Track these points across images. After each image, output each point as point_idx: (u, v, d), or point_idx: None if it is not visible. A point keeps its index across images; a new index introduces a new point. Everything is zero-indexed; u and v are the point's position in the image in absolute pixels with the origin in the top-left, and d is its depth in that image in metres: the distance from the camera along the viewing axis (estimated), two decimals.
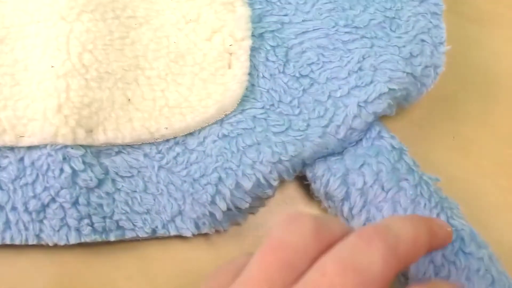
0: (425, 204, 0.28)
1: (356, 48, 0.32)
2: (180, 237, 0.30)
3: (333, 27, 0.32)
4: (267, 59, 0.32)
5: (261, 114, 0.31)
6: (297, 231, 0.22)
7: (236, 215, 0.30)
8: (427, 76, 0.32)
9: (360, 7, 0.33)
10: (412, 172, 0.29)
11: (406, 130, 0.33)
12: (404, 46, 0.32)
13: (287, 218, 0.23)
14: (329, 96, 0.31)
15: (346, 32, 0.32)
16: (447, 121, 0.34)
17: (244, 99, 0.31)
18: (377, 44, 0.32)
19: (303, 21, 0.33)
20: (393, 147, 0.30)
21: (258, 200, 0.31)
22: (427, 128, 0.34)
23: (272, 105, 0.31)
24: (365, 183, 0.29)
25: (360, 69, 0.31)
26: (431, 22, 0.33)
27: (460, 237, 0.28)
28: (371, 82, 0.31)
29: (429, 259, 0.27)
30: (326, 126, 0.30)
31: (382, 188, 0.29)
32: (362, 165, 0.29)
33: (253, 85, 0.31)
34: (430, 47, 0.32)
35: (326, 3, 0.33)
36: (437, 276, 0.27)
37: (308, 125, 0.30)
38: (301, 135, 0.30)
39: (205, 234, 0.30)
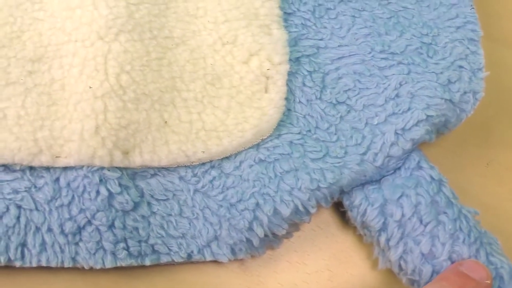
0: (464, 239, 0.28)
1: (393, 74, 0.32)
2: (214, 261, 0.30)
3: (369, 52, 0.32)
4: (304, 84, 0.32)
5: (298, 139, 0.30)
6: None
7: (272, 241, 0.30)
8: (466, 102, 0.32)
9: (396, 32, 0.33)
10: (452, 205, 0.29)
11: (440, 156, 0.33)
12: (441, 73, 0.31)
13: None
14: (366, 124, 0.31)
15: (382, 58, 0.32)
16: (481, 147, 0.34)
17: (280, 124, 0.31)
18: (414, 71, 0.32)
19: (339, 46, 0.33)
20: (432, 178, 0.30)
21: (294, 225, 0.30)
22: (460, 154, 0.34)
23: (309, 131, 0.31)
24: (403, 215, 0.29)
25: (397, 96, 0.31)
26: (468, 48, 0.32)
27: (499, 275, 0.27)
28: (409, 109, 0.31)
29: None
30: (364, 153, 0.30)
31: (421, 221, 0.28)
32: (400, 196, 0.29)
33: (289, 110, 0.31)
34: (468, 73, 0.32)
35: (362, 28, 0.33)
36: None
37: (346, 152, 0.30)
38: (339, 162, 0.30)
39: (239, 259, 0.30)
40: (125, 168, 0.30)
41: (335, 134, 0.31)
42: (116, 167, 0.29)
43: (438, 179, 0.30)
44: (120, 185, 0.29)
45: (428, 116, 0.30)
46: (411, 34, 0.33)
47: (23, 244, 0.28)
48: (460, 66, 0.32)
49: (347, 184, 0.30)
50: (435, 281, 0.27)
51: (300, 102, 0.31)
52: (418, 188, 0.29)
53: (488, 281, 0.27)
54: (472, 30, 0.33)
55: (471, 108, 0.32)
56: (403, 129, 0.30)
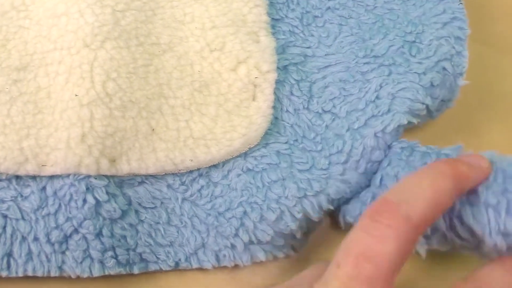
0: None
1: (374, 77, 0.31)
2: (202, 269, 0.30)
3: (354, 59, 0.32)
4: (292, 93, 0.32)
5: (285, 149, 0.30)
6: None
7: (256, 250, 0.30)
8: (437, 110, 0.32)
9: (380, 35, 0.32)
10: (428, 155, 0.28)
11: None
12: (424, 73, 0.30)
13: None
14: (348, 129, 0.30)
15: (365, 63, 0.32)
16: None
17: (268, 132, 0.31)
18: (396, 71, 0.31)
19: (325, 55, 0.33)
20: (402, 148, 0.29)
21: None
22: None
23: (296, 140, 0.31)
24: (388, 188, 0.28)
25: (377, 97, 0.30)
26: (454, 48, 0.31)
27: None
28: (389, 110, 0.30)
29: None
30: (346, 162, 0.30)
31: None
32: (381, 179, 0.29)
33: (276, 118, 0.31)
34: (450, 78, 0.31)
35: (348, 36, 0.33)
36: None
37: (329, 163, 0.30)
38: (324, 174, 0.30)
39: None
40: (112, 176, 0.30)
41: (320, 143, 0.31)
42: (103, 175, 0.29)
43: (408, 146, 0.29)
44: (107, 193, 0.29)
45: (409, 122, 0.30)
46: (395, 35, 0.32)
47: (9, 254, 0.28)
48: (444, 68, 0.31)
49: (334, 193, 0.30)
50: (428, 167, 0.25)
51: (287, 111, 0.31)
52: (392, 163, 0.29)
53: (486, 165, 0.25)
54: (459, 27, 0.32)
55: (438, 116, 0.32)
56: (383, 131, 0.30)
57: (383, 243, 0.21)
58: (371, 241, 0.21)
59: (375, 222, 0.21)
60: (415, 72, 0.31)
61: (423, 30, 0.32)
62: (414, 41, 0.31)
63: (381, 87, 0.31)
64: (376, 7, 0.33)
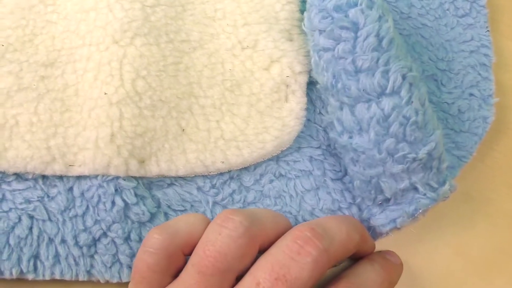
0: None
1: None
2: None
3: None
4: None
5: (318, 155, 0.30)
6: (229, 236, 0.24)
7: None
8: (476, 127, 0.32)
9: (415, 54, 0.33)
10: None
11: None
12: (453, 103, 0.32)
13: (218, 220, 0.24)
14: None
15: None
16: None
17: (300, 135, 0.30)
18: (430, 99, 0.31)
19: None
20: None
21: None
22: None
23: (329, 145, 0.30)
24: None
25: None
26: (480, 74, 0.33)
27: None
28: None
29: None
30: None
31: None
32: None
33: (309, 120, 0.30)
34: (478, 101, 0.32)
35: None
36: None
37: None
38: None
39: None
40: (141, 178, 0.29)
41: None
42: (132, 177, 0.28)
43: None
44: (136, 195, 0.28)
45: None
46: (428, 58, 0.33)
47: (36, 256, 0.27)
48: (471, 94, 0.32)
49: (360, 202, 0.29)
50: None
51: (320, 113, 0.30)
52: None
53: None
54: (485, 54, 0.33)
55: (482, 132, 0.32)
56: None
57: (302, 269, 0.23)
58: (292, 264, 0.23)
59: (300, 247, 0.23)
60: (445, 102, 0.32)
61: (452, 58, 0.33)
62: (445, 70, 0.33)
63: None
64: (410, 17, 0.34)
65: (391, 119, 0.26)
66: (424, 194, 0.27)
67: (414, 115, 0.26)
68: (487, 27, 0.34)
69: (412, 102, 0.26)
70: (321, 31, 0.28)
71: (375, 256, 0.28)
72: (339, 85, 0.27)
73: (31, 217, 0.28)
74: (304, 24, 0.29)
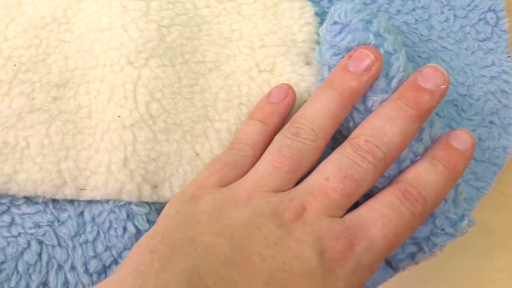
0: None
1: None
2: None
3: None
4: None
5: None
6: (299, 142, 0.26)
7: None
8: (496, 157, 0.31)
9: None
10: None
11: None
12: (473, 130, 0.31)
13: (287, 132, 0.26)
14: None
15: None
16: None
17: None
18: (448, 125, 0.31)
19: None
20: None
21: None
22: None
23: None
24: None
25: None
26: (500, 101, 0.32)
27: None
28: None
29: None
30: None
31: None
32: None
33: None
34: (498, 129, 0.32)
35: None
36: None
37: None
38: None
39: None
40: (153, 203, 0.28)
41: None
42: (144, 202, 0.28)
43: None
44: (148, 221, 0.27)
45: None
46: None
47: (45, 284, 0.27)
48: (491, 122, 0.32)
49: None
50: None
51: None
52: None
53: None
54: (506, 81, 0.33)
55: (502, 162, 0.31)
56: None
57: (367, 174, 0.25)
58: (358, 168, 0.25)
59: (361, 157, 0.25)
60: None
61: (473, 83, 0.32)
62: (465, 95, 0.32)
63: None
64: (430, 39, 0.33)
65: (401, 157, 0.26)
66: (442, 229, 0.26)
67: (423, 151, 0.26)
68: (508, 52, 0.33)
69: (421, 139, 0.26)
70: (330, 67, 0.27)
71: (439, 151, 0.26)
72: (351, 124, 0.27)
73: (41, 242, 0.27)
74: (315, 58, 0.29)
